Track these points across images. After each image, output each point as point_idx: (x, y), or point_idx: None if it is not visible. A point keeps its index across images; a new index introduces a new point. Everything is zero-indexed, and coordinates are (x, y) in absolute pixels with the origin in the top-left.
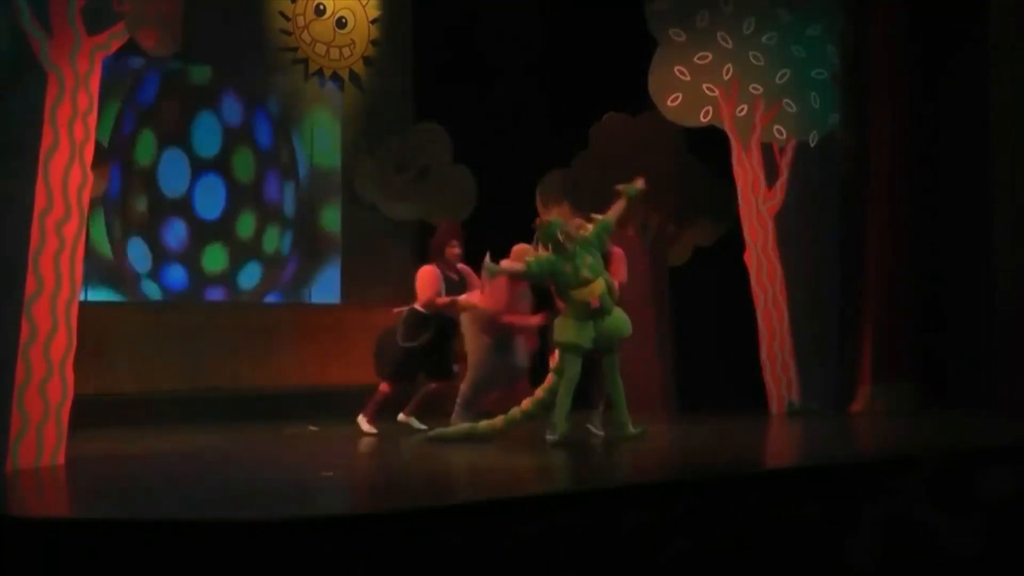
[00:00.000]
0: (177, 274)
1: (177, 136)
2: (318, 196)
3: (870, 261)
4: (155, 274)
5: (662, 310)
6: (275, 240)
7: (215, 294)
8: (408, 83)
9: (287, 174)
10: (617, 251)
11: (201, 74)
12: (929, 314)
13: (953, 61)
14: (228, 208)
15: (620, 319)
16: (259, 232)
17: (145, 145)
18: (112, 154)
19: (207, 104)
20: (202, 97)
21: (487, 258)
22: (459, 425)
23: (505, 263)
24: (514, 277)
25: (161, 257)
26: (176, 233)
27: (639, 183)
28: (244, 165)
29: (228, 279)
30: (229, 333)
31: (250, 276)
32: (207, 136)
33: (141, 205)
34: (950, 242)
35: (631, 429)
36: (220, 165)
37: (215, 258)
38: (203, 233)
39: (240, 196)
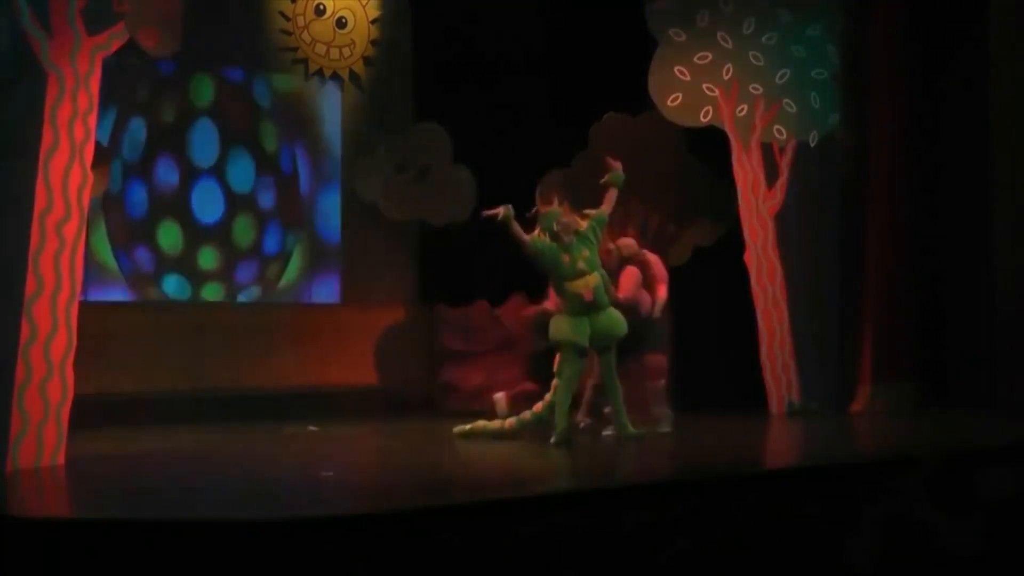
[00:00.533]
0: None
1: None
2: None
3: (870, 261)
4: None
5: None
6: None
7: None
8: (408, 83)
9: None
10: (631, 269)
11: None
12: (929, 314)
13: (953, 61)
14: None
15: (614, 317)
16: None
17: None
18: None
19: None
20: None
21: (509, 207)
22: (476, 423)
23: (515, 224)
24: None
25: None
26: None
27: (619, 168)
28: (244, 230)
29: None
30: (229, 333)
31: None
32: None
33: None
34: (950, 242)
35: (631, 429)
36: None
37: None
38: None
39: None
